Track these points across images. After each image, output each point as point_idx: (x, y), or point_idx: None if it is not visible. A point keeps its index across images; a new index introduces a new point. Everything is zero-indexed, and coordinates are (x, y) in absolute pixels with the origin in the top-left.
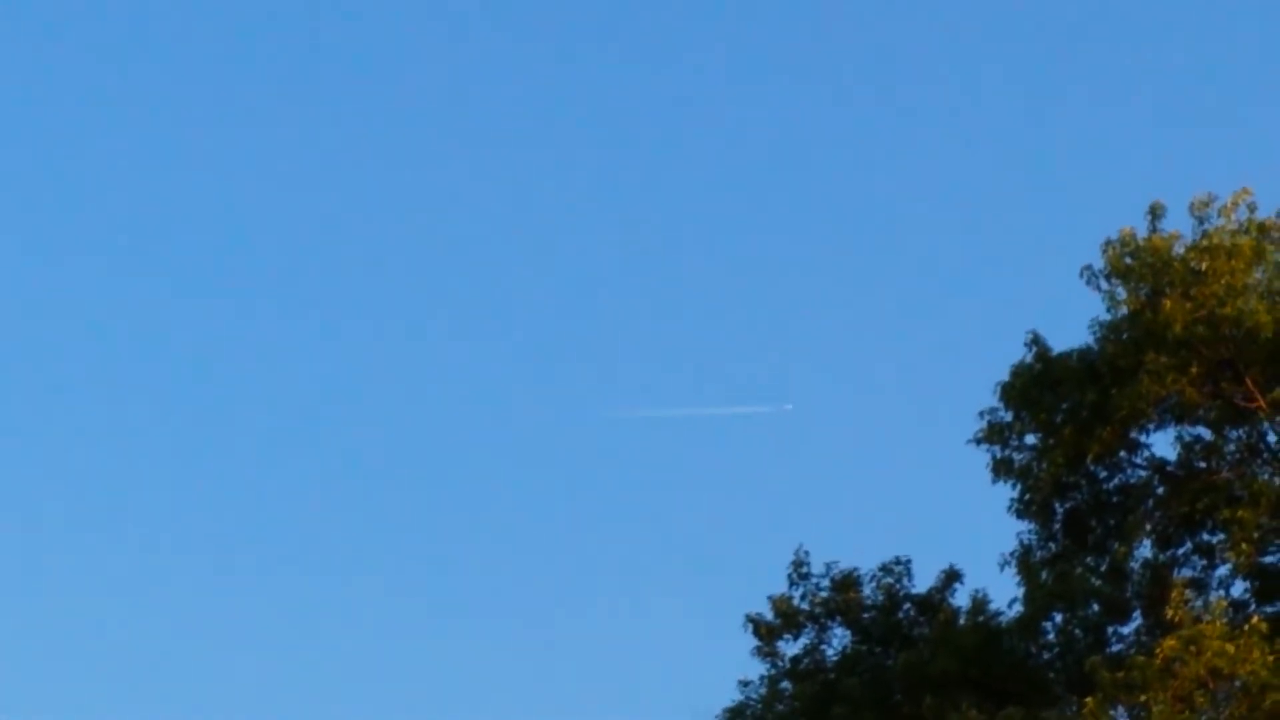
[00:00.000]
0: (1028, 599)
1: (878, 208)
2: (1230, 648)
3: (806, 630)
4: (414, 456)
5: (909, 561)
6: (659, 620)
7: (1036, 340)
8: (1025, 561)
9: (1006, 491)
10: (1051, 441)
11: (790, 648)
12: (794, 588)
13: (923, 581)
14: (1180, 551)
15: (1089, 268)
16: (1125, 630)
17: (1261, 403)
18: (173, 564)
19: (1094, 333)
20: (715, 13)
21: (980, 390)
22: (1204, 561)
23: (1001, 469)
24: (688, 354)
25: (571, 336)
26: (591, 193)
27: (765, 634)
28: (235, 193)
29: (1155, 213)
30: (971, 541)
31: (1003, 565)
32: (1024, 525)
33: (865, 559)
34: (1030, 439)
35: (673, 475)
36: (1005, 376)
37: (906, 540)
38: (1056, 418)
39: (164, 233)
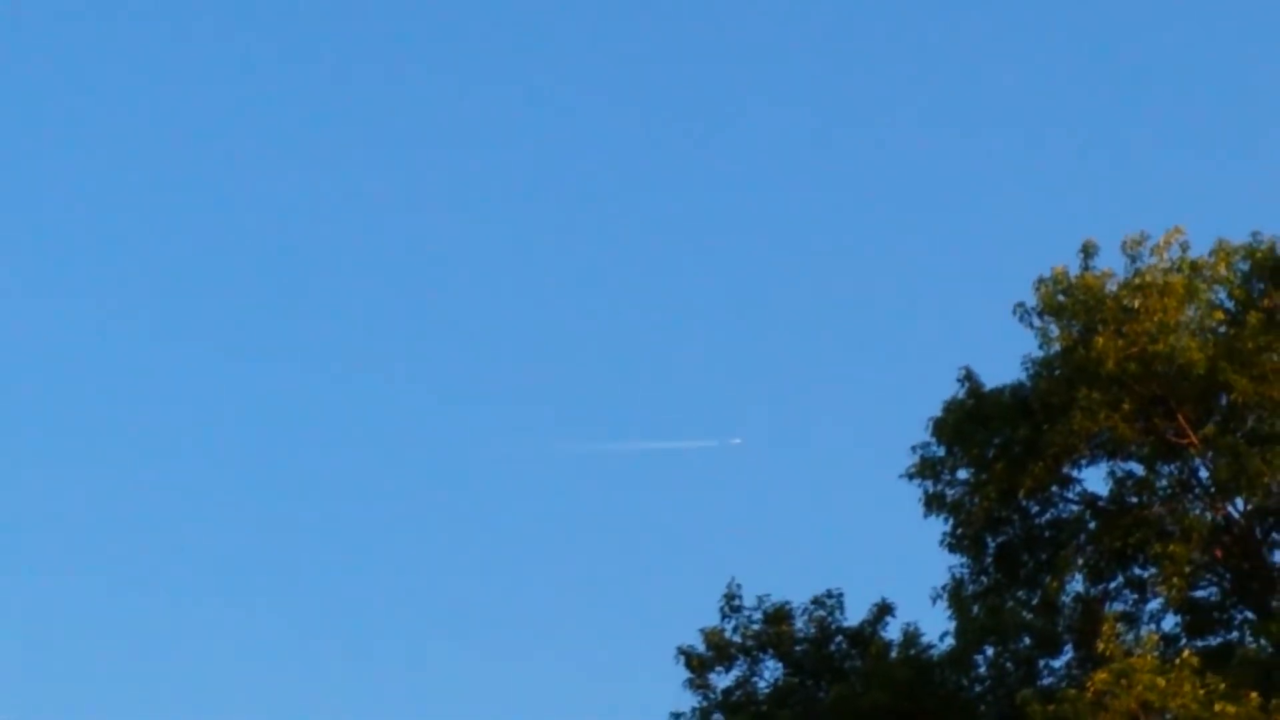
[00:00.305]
0: (959, 632)
1: (821, 245)
2: (1161, 681)
3: (738, 663)
4: (357, 483)
5: (841, 595)
6: (594, 652)
7: (969, 376)
8: (957, 595)
9: (939, 525)
10: (984, 476)
11: (722, 680)
12: (726, 620)
13: (854, 615)
14: (1112, 586)
15: (1022, 305)
16: (1056, 664)
17: (1193, 439)
18: (170, 565)
19: (1026, 369)
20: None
21: (917, 425)
22: (1135, 596)
23: (934, 503)
24: (643, 388)
25: (524, 368)
26: (542, 227)
27: (697, 666)
28: (212, 190)
29: (1088, 251)
30: (903, 575)
31: (934, 599)
32: (956, 559)
33: (800, 592)
34: (962, 474)
35: (618, 508)
36: (938, 412)
37: (840, 574)
38: (989, 453)
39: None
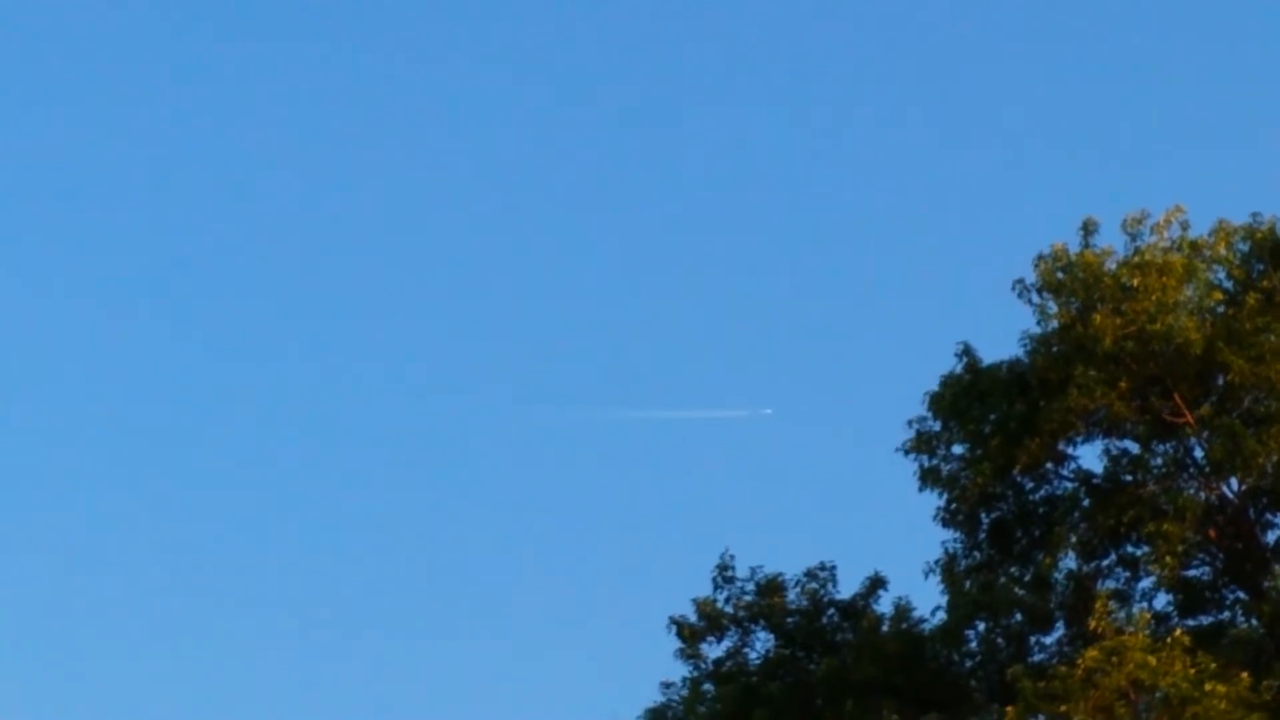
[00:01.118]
0: (951, 607)
1: (830, 222)
2: (1152, 660)
3: (730, 633)
4: (385, 449)
5: (834, 567)
6: (590, 620)
7: (967, 351)
8: (949, 570)
9: (933, 500)
10: (979, 452)
11: (714, 650)
12: (719, 591)
13: (847, 588)
14: (1104, 563)
15: (1021, 281)
16: (1048, 640)
17: (1189, 418)
18: (168, 569)
19: (1024, 345)
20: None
21: (915, 400)
22: (1128, 574)
23: (929, 478)
24: (678, 358)
25: (556, 337)
26: (576, 199)
27: (689, 636)
28: (221, 188)
29: (1088, 228)
30: (897, 549)
31: (927, 573)
32: (949, 534)
33: (795, 564)
34: (958, 449)
35: (632, 477)
36: (935, 387)
37: (835, 546)
38: (985, 428)
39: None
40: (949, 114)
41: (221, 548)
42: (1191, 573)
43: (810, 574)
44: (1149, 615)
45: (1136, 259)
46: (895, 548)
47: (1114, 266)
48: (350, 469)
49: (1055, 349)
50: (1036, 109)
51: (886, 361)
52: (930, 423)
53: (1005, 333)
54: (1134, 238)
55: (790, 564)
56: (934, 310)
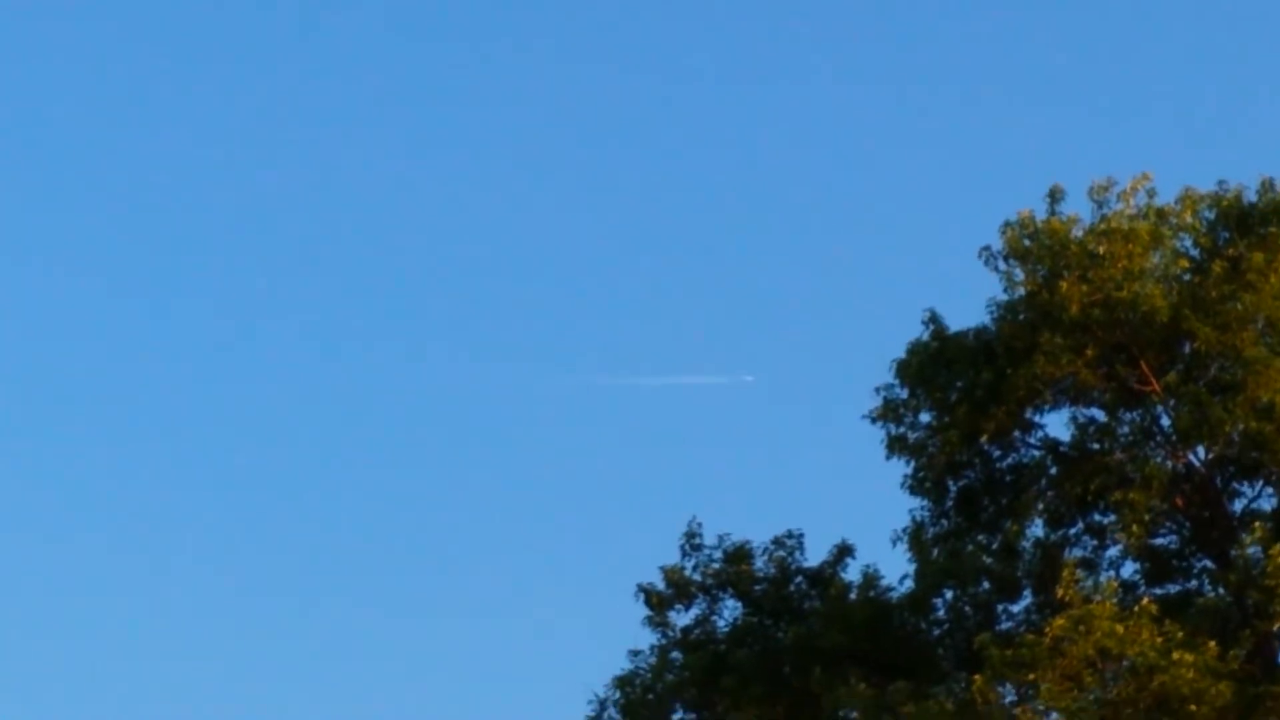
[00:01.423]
0: (919, 575)
1: (795, 190)
2: (1119, 628)
3: (698, 601)
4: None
5: (801, 535)
6: (556, 588)
7: (934, 318)
8: (917, 538)
9: (900, 468)
10: (946, 419)
11: (681, 618)
12: (686, 558)
13: (815, 555)
14: (1072, 532)
15: (988, 248)
16: (1015, 609)
17: (1155, 386)
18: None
19: (991, 312)
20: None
21: (882, 366)
22: (1095, 542)
23: (896, 445)
24: (659, 323)
25: (544, 305)
26: (552, 170)
27: (657, 604)
28: (222, 174)
29: (1054, 196)
30: (864, 517)
31: (895, 541)
32: (917, 502)
33: (763, 532)
34: (925, 416)
35: (613, 443)
36: (902, 354)
37: (803, 514)
38: (951, 396)
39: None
40: (920, 83)
41: (213, 539)
42: (1158, 541)
43: (778, 542)
44: (1116, 584)
45: (1103, 226)
46: (867, 515)
47: (1080, 234)
48: (320, 443)
49: (1022, 316)
50: (1005, 76)
51: (870, 329)
52: (898, 390)
53: (970, 300)
54: (1101, 205)
55: (768, 530)
56: (918, 279)
